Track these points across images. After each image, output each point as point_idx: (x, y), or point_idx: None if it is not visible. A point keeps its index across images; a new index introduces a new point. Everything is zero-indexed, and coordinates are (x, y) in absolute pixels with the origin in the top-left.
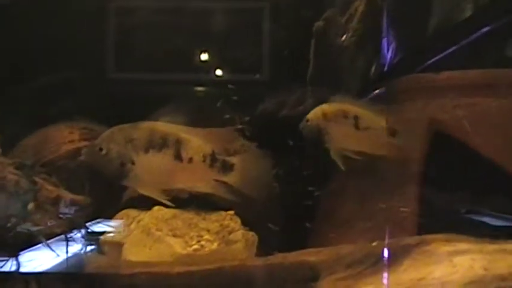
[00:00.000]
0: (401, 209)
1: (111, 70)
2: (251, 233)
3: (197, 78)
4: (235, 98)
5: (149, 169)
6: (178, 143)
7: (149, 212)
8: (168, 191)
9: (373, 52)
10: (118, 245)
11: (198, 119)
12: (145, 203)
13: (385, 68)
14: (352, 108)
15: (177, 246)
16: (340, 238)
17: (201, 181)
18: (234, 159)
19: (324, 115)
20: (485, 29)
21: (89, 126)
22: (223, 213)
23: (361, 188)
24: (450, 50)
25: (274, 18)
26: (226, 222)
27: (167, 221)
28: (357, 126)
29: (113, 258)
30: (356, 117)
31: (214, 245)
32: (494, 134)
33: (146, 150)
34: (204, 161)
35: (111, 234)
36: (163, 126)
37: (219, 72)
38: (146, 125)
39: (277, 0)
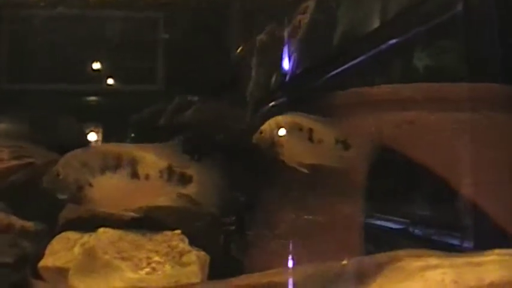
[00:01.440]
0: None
1: (3, 81)
2: (202, 253)
3: (89, 88)
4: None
5: (108, 190)
6: (134, 161)
7: (94, 235)
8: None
9: (273, 63)
10: (61, 271)
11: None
12: (85, 225)
13: (287, 79)
14: (306, 120)
15: (127, 270)
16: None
17: (161, 196)
18: (190, 171)
19: (278, 127)
20: (392, 41)
21: (17, 144)
22: (169, 233)
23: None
24: (356, 61)
25: (169, 29)
26: (174, 243)
27: (114, 243)
28: (311, 139)
29: (58, 285)
30: (310, 130)
31: (167, 268)
32: (436, 147)
33: (102, 172)
34: (161, 176)
35: (52, 260)
36: (115, 146)
37: (110, 81)
38: (98, 147)
39: (171, 11)
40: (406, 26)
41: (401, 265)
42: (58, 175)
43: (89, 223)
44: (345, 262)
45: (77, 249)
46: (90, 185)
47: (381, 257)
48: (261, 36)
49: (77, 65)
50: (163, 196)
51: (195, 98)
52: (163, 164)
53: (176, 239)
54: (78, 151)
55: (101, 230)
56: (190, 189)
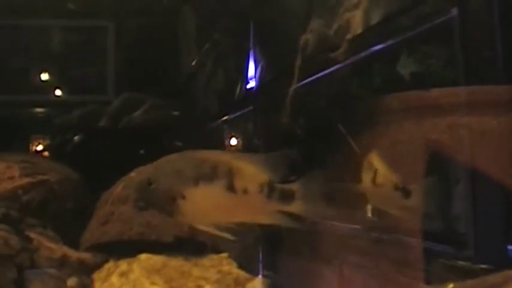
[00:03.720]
0: None
1: None
2: (260, 278)
3: (37, 99)
4: None
5: (202, 203)
6: (230, 172)
7: (137, 262)
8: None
9: (235, 71)
10: None
11: None
12: (114, 250)
13: (253, 88)
14: (377, 160)
15: None
16: None
17: (262, 213)
18: (294, 186)
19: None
20: (376, 47)
21: (28, 159)
22: (215, 256)
23: None
24: (335, 68)
25: (119, 38)
26: (225, 268)
27: (159, 271)
28: (373, 181)
29: None
30: (375, 171)
31: None
32: (498, 154)
33: (196, 182)
34: (261, 191)
35: None
36: (212, 154)
37: (58, 92)
38: (193, 154)
39: (121, 19)
40: (391, 31)
41: None
42: (150, 184)
43: (120, 248)
44: (451, 286)
45: (115, 279)
46: (183, 196)
47: (494, 278)
48: (306, 35)
49: (24, 75)
50: (265, 213)
51: (141, 97)
52: (263, 178)
53: (225, 264)
54: (172, 156)
55: (143, 256)
56: (295, 207)
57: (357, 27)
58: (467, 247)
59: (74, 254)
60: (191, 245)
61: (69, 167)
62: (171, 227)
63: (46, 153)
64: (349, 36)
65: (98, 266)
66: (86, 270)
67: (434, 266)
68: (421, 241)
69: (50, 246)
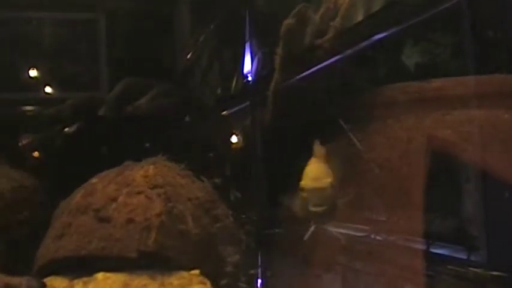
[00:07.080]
0: None
1: None
2: None
3: (26, 97)
4: None
5: None
6: None
7: (93, 283)
8: None
9: (231, 63)
10: None
11: None
12: (74, 267)
13: (250, 81)
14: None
15: None
16: None
17: None
18: None
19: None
20: (378, 36)
21: None
22: (185, 274)
23: None
24: (336, 58)
25: (111, 30)
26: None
27: None
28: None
29: None
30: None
31: None
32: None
33: None
34: None
35: None
36: None
37: (48, 89)
38: None
39: (113, 11)
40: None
41: None
42: None
43: (79, 264)
44: None
45: None
46: None
47: None
48: (289, 20)
49: (11, 72)
50: None
51: (147, 82)
52: None
53: (196, 282)
54: None
55: (100, 275)
56: None
57: (345, 12)
58: (479, 251)
59: (3, 280)
60: (157, 261)
61: (61, 166)
62: (135, 241)
63: (36, 154)
64: (337, 20)
65: None
66: None
67: (443, 272)
68: (428, 245)
69: None
